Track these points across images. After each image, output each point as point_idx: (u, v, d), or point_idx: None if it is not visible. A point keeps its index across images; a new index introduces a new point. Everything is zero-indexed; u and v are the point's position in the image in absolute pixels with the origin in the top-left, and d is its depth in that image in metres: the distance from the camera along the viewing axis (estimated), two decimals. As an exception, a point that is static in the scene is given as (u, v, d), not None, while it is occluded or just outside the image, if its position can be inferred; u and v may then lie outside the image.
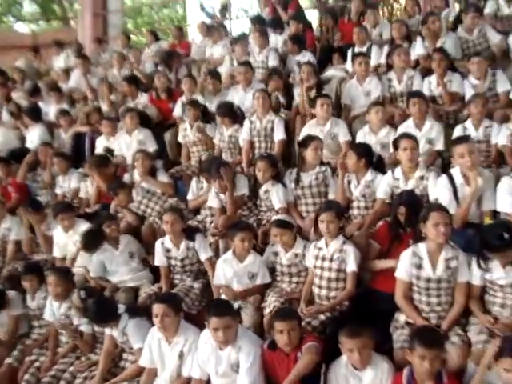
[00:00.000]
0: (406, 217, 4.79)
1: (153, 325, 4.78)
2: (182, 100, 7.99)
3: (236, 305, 4.99)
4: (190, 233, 5.61)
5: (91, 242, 5.86)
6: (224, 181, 5.81)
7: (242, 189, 5.97)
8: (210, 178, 6.00)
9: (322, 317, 4.64)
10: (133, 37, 16.42)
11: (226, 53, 9.18)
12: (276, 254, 5.22)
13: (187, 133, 7.32)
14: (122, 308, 5.14)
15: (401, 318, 4.45)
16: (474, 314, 4.32)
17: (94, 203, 7.06)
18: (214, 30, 10.28)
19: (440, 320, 4.31)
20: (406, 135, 5.46)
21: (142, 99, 8.54)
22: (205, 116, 7.33)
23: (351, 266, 4.78)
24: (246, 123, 6.84)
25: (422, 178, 5.30)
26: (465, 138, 5.22)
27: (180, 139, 7.49)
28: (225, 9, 12.69)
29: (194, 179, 6.55)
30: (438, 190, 5.11)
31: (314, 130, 6.37)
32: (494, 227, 4.19)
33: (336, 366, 4.14)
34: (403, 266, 4.43)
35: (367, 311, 4.65)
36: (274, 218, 5.28)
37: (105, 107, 8.71)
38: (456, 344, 4.09)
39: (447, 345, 4.08)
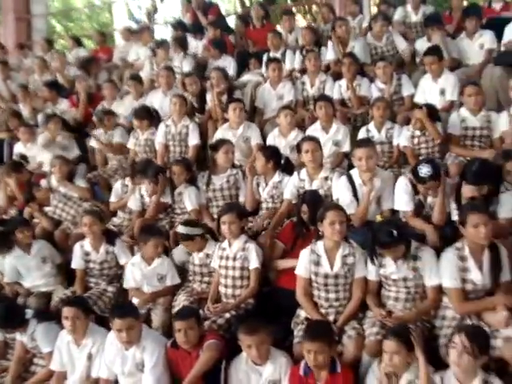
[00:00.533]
0: (309, 215, 4.97)
1: (63, 328, 4.84)
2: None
3: (146, 307, 5.11)
4: (110, 237, 5.69)
5: (-2, 246, 5.85)
6: (158, 186, 5.92)
7: (167, 196, 6.07)
8: (144, 180, 6.08)
9: (228, 315, 4.76)
10: (62, 41, 16.36)
11: (147, 57, 9.23)
12: (189, 253, 5.35)
13: (102, 139, 7.39)
14: (29, 313, 5.17)
15: (302, 313, 4.62)
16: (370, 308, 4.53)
17: (5, 209, 7.02)
18: (137, 34, 10.32)
19: (338, 315, 4.49)
20: (308, 138, 5.66)
21: (63, 105, 8.56)
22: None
23: (254, 263, 4.93)
24: (161, 127, 6.95)
25: (326, 178, 5.49)
26: (365, 142, 5.42)
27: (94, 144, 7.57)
28: (151, 14, 12.75)
29: (120, 181, 6.59)
30: (338, 190, 5.32)
31: (227, 134, 6.52)
32: (384, 225, 4.40)
33: (236, 362, 4.29)
34: (302, 263, 4.60)
35: (272, 308, 4.84)
36: (179, 227, 5.34)
37: (25, 113, 8.66)
38: (352, 337, 4.28)
39: (344, 338, 4.30)
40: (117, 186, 6.53)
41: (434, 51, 6.53)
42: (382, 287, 4.55)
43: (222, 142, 6.08)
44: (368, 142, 5.44)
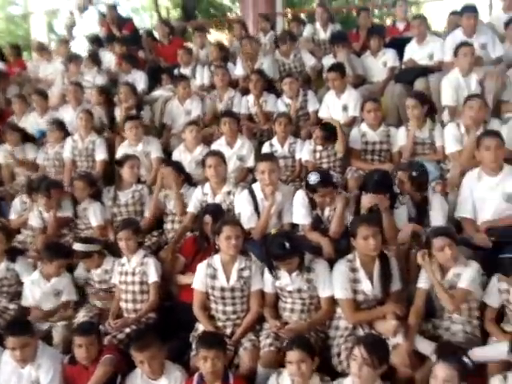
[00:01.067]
0: (212, 226, 4.99)
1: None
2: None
3: (47, 324, 5.03)
4: (11, 254, 5.54)
5: None
6: (50, 200, 5.83)
7: (67, 210, 6.00)
8: (38, 195, 5.95)
9: (128, 330, 4.74)
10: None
11: (60, 71, 9.13)
12: (88, 270, 5.31)
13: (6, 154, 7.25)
14: None
15: (200, 327, 4.64)
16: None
17: None
18: (50, 48, 10.20)
19: (236, 327, 4.54)
20: (212, 153, 5.73)
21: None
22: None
23: (152, 277, 4.96)
24: (69, 141, 6.91)
25: (229, 193, 5.55)
26: (268, 157, 5.53)
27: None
28: (69, 28, 12.57)
29: (18, 198, 6.44)
30: (240, 204, 5.38)
31: (129, 151, 6.49)
32: (277, 237, 4.46)
33: (132, 376, 4.27)
34: (199, 277, 4.64)
35: (173, 323, 4.87)
36: (76, 244, 5.28)
37: None
38: (247, 349, 4.34)
39: (240, 350, 4.36)
40: (15, 202, 6.40)
41: (337, 68, 6.72)
42: (278, 299, 4.63)
43: (127, 157, 6.07)
44: (271, 156, 5.55)
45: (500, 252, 4.26)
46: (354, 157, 6.12)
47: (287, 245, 4.29)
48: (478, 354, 4.02)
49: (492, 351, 4.03)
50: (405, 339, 4.09)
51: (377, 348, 3.73)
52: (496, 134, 5.09)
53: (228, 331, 4.54)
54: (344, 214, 4.98)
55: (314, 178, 4.90)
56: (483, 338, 4.28)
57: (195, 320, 4.70)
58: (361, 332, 4.30)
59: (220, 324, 4.58)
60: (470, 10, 6.99)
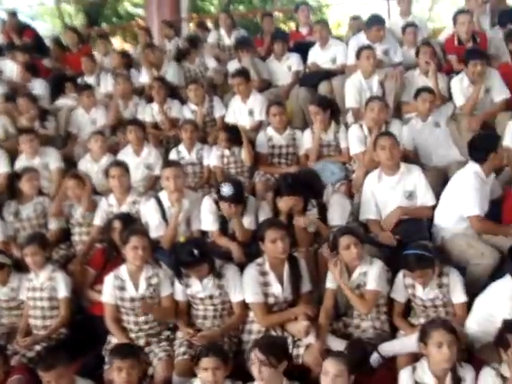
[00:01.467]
0: (121, 234, 4.85)
1: None
2: None
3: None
4: None
5: None
6: None
7: None
8: None
9: (38, 347, 4.61)
10: None
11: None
12: None
13: None
14: None
15: (112, 340, 4.55)
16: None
17: None
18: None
19: (149, 338, 4.49)
20: (115, 163, 5.65)
21: None
22: None
23: (62, 292, 4.82)
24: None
25: (134, 202, 5.49)
26: (173, 163, 5.52)
27: None
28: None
29: None
30: (147, 213, 5.32)
31: (26, 164, 6.29)
32: (185, 245, 4.46)
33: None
34: (107, 289, 4.56)
35: (85, 337, 4.76)
36: None
37: None
38: (162, 359, 4.30)
39: (154, 360, 4.32)
40: None
41: (241, 73, 6.77)
42: (191, 306, 4.61)
43: (25, 169, 5.88)
44: (175, 163, 5.54)
45: (404, 249, 4.38)
46: (261, 161, 6.18)
47: (196, 252, 4.27)
48: (387, 348, 4.17)
49: (400, 345, 4.14)
50: (316, 339, 4.16)
51: (271, 347, 3.76)
52: (390, 134, 5.31)
53: (141, 342, 4.48)
54: (251, 219, 5.01)
55: (227, 190, 4.88)
56: (392, 333, 4.41)
57: (108, 333, 4.61)
58: (274, 334, 4.33)
59: (133, 335, 4.51)
60: (379, 22, 7.23)
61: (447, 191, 5.18)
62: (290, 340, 4.26)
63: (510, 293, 4.01)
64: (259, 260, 4.50)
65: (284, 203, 4.87)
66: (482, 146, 5.04)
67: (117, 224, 5.03)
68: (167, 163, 5.57)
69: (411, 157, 5.96)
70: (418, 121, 6.08)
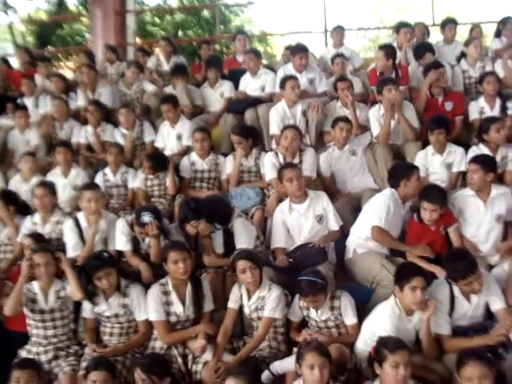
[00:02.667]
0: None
1: None
2: None
3: None
4: None
5: None
6: None
7: None
8: None
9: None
10: None
11: None
12: None
13: None
14: None
15: (23, 354, 4.75)
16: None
17: None
18: None
19: (58, 351, 4.72)
20: (39, 183, 5.89)
21: None
22: None
23: None
24: None
25: (58, 222, 5.70)
26: (91, 185, 5.77)
27: None
28: None
29: None
30: (65, 232, 5.56)
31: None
32: (95, 253, 4.85)
33: None
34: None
35: (2, 351, 4.88)
36: None
37: None
38: (66, 373, 4.52)
39: (59, 374, 4.55)
40: None
41: (169, 99, 7.06)
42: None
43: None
44: (93, 185, 5.77)
45: (298, 274, 4.66)
46: (183, 185, 6.43)
47: (105, 255, 4.67)
48: (278, 366, 4.44)
49: (290, 363, 4.39)
50: (212, 356, 4.43)
51: (153, 366, 4.05)
52: (293, 166, 5.62)
53: (50, 356, 4.69)
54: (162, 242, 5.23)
55: (146, 219, 5.12)
56: (289, 352, 4.64)
57: (19, 347, 4.81)
58: (175, 352, 4.58)
59: (41, 349, 4.72)
60: (302, 50, 7.49)
61: (364, 208, 5.54)
62: (190, 357, 4.55)
63: (389, 311, 4.33)
64: (163, 280, 4.76)
65: (190, 227, 5.14)
66: (396, 173, 5.40)
67: (27, 241, 5.28)
68: (85, 186, 5.77)
69: (328, 183, 6.31)
70: (334, 149, 6.40)
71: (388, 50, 7.39)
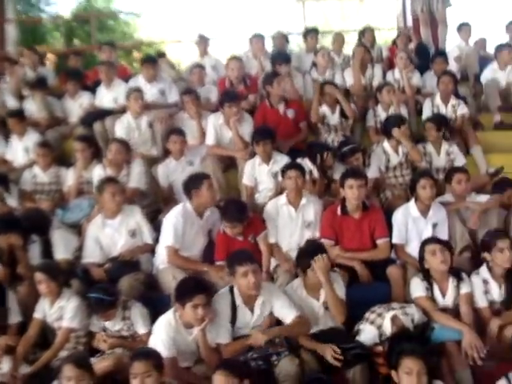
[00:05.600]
0: None
1: None
2: None
3: None
4: None
5: None
6: None
7: None
8: None
9: None
10: None
11: None
12: None
13: None
14: None
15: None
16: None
17: None
18: None
19: None
20: None
21: None
22: None
23: None
24: None
25: None
26: None
27: None
28: None
29: None
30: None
31: None
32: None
33: None
34: None
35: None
36: None
37: None
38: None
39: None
40: None
41: (15, 114, 7.32)
42: None
43: None
44: None
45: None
46: (25, 197, 6.55)
47: None
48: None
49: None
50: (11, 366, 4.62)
51: None
52: (114, 181, 5.79)
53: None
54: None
55: None
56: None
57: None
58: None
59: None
60: (150, 61, 7.88)
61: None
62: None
63: (165, 324, 4.42)
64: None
65: (2, 240, 5.30)
66: (188, 184, 5.55)
67: None
68: None
69: (166, 194, 6.53)
70: (171, 160, 6.64)
71: (234, 62, 7.69)
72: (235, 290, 4.61)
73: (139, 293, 5.20)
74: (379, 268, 5.35)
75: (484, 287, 4.93)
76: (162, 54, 9.73)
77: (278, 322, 4.66)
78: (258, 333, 4.43)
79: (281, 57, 7.95)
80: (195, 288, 4.36)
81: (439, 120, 6.77)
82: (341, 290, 4.82)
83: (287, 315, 4.58)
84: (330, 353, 4.38)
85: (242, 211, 5.36)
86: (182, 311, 4.34)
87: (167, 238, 5.40)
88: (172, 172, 6.58)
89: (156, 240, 5.68)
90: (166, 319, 4.45)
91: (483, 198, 5.89)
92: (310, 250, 4.82)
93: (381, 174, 6.47)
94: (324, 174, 6.19)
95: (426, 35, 9.74)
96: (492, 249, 4.89)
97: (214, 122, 6.84)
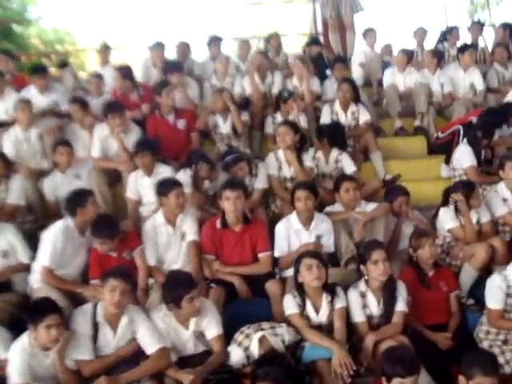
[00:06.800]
0: None
1: None
2: None
3: None
4: None
5: None
6: None
7: None
8: None
9: None
10: None
11: None
12: None
13: None
14: None
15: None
16: None
17: None
18: None
19: None
20: None
21: None
22: None
23: None
24: None
25: None
26: None
27: None
28: None
29: None
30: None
31: None
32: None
33: None
34: None
35: None
36: None
37: None
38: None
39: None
40: None
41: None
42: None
43: None
44: None
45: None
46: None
47: None
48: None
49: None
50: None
51: None
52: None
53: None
54: None
55: None
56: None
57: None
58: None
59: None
60: (40, 71, 7.65)
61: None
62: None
63: (19, 349, 4.21)
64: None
65: None
66: (71, 201, 5.32)
67: None
68: None
69: (53, 208, 6.25)
70: (57, 173, 6.38)
71: (123, 71, 7.44)
72: (99, 306, 4.49)
73: (9, 315, 4.93)
74: (260, 283, 5.21)
75: (362, 301, 4.81)
76: (64, 64, 9.37)
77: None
78: None
79: (172, 66, 7.80)
80: (47, 308, 4.23)
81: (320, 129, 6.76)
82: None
83: (150, 345, 4.42)
84: (187, 380, 4.21)
85: (112, 227, 5.14)
86: (36, 333, 4.18)
87: (43, 257, 5.14)
88: (58, 186, 6.29)
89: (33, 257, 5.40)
90: (21, 343, 4.27)
91: (373, 207, 5.77)
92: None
93: (275, 182, 6.28)
94: (197, 185, 5.96)
95: (335, 40, 9.69)
96: (367, 261, 4.74)
97: (99, 134, 6.59)
